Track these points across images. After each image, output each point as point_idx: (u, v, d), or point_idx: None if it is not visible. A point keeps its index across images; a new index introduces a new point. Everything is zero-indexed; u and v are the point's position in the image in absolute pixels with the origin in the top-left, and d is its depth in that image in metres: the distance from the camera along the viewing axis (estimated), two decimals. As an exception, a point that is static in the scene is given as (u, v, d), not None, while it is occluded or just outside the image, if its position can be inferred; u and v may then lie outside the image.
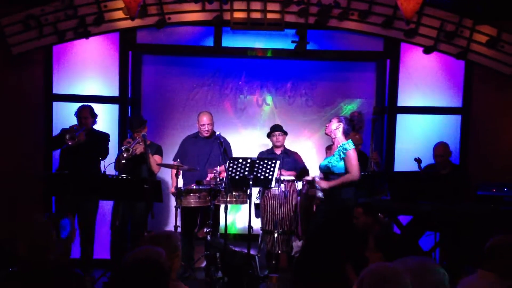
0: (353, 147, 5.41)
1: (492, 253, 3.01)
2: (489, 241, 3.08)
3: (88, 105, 6.22)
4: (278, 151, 6.54)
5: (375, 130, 6.54)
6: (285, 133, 6.53)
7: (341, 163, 5.38)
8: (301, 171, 6.49)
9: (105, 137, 6.28)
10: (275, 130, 6.50)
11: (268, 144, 6.69)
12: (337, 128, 5.46)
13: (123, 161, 5.95)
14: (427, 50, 6.69)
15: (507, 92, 6.93)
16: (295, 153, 6.62)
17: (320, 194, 5.59)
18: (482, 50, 6.62)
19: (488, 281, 2.95)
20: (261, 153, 6.62)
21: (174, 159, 6.37)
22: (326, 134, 5.61)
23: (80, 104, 6.27)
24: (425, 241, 5.94)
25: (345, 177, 5.35)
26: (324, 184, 5.43)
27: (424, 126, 6.98)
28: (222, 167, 6.08)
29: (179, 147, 6.53)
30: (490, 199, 5.87)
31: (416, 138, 6.95)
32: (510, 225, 5.12)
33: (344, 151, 5.35)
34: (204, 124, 6.30)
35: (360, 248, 4.81)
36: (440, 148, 6.19)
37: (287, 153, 6.56)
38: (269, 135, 6.57)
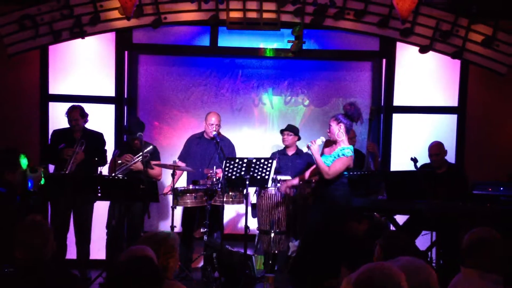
0: (352, 155, 5.36)
1: (471, 250, 3.01)
2: (466, 237, 3.07)
3: (78, 105, 6.18)
4: (290, 152, 6.52)
5: (371, 130, 6.54)
6: (296, 135, 6.47)
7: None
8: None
9: (100, 139, 6.26)
10: (285, 129, 6.49)
11: (265, 144, 6.68)
12: (339, 130, 5.37)
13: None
14: (423, 50, 6.69)
15: (503, 91, 6.96)
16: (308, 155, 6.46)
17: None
18: (478, 49, 6.62)
19: (471, 278, 2.96)
20: (272, 154, 6.58)
21: (179, 159, 6.37)
22: (332, 139, 5.44)
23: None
24: (422, 241, 5.94)
25: (323, 164, 5.30)
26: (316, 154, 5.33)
27: (420, 126, 6.99)
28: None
29: (183, 147, 6.51)
30: (486, 198, 5.86)
31: (412, 138, 6.95)
32: (507, 224, 5.12)
33: (341, 156, 5.31)
34: (212, 124, 6.25)
35: (361, 254, 4.76)
36: (435, 147, 6.20)
37: (298, 153, 6.51)
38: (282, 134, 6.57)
